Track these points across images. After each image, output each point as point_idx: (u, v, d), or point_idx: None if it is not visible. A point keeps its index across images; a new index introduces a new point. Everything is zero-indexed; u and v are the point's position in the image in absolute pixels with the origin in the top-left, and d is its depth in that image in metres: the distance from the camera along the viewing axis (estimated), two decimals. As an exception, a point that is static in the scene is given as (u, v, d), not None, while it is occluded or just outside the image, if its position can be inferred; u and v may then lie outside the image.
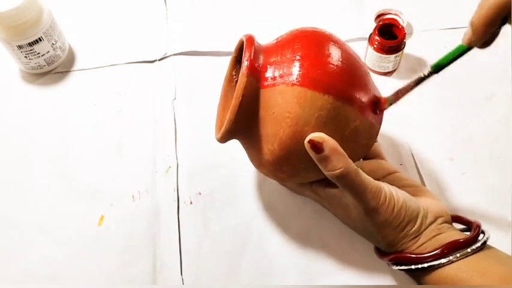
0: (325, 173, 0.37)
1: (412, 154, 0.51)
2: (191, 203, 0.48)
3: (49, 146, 0.53)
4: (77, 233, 0.47)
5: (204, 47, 0.60)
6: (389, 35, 0.55)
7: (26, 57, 0.55)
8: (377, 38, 0.53)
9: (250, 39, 0.39)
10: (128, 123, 0.55)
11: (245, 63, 0.37)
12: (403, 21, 0.59)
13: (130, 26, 0.63)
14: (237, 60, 0.43)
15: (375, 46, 0.54)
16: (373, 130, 0.40)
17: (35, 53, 0.55)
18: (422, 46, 0.59)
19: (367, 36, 0.56)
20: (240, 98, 0.36)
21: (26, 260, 0.46)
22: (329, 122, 0.36)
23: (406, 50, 0.55)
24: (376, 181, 0.38)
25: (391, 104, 0.39)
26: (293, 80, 0.36)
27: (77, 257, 0.46)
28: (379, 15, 0.60)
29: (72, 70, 0.59)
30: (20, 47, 0.54)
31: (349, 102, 0.37)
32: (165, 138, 0.53)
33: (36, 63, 0.57)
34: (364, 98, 0.38)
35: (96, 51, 0.61)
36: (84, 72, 0.59)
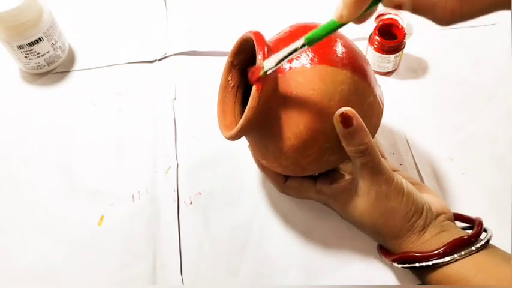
0: (350, 148, 0.37)
1: (412, 154, 0.51)
2: (191, 203, 0.48)
3: (49, 146, 0.53)
4: (77, 233, 0.47)
5: (204, 47, 0.60)
6: (389, 35, 0.55)
7: (26, 57, 0.55)
8: (377, 38, 0.53)
9: (258, 34, 0.38)
10: (128, 123, 0.55)
11: (260, 50, 0.37)
12: (403, 21, 0.59)
13: (131, 26, 0.63)
14: (233, 65, 0.43)
15: (375, 46, 0.54)
16: (380, 109, 0.41)
17: (35, 53, 0.55)
18: (422, 46, 0.59)
19: (367, 36, 0.56)
20: (262, 82, 0.36)
21: (26, 260, 0.46)
22: (350, 96, 0.37)
23: (406, 50, 0.55)
24: (390, 168, 0.39)
25: (265, 73, 0.36)
26: (311, 61, 0.37)
27: (77, 257, 0.46)
28: (379, 15, 0.60)
29: (72, 70, 0.59)
30: (20, 47, 0.54)
31: (363, 77, 0.38)
32: (165, 138, 0.53)
33: (36, 63, 0.57)
34: (372, 76, 0.40)
35: (96, 51, 0.61)
36: (84, 72, 0.59)
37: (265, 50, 0.37)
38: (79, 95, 0.57)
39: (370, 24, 0.58)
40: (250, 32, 0.39)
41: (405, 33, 0.54)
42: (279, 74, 0.38)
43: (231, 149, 0.51)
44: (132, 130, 0.54)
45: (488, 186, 0.48)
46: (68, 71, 0.59)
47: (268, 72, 0.36)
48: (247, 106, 0.37)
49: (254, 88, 0.36)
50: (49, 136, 0.54)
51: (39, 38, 0.54)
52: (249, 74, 0.37)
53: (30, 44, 0.54)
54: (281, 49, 0.38)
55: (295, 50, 0.35)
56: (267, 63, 0.36)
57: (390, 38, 0.54)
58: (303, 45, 0.34)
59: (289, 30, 0.41)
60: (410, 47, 0.58)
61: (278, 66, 0.36)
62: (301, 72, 0.37)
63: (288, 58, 0.35)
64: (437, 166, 0.50)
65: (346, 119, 0.36)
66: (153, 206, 0.48)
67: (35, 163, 0.52)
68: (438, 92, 0.56)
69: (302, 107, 0.37)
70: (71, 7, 0.65)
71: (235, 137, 0.39)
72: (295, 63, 0.38)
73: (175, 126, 0.54)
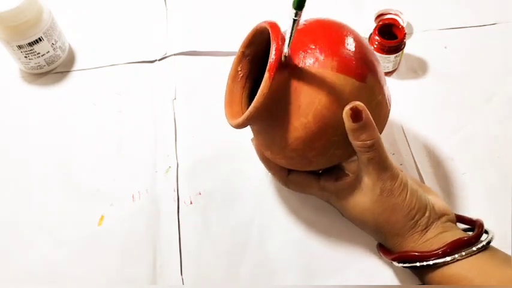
0: (358, 143, 0.38)
1: (412, 154, 0.51)
2: (191, 203, 0.48)
3: (49, 146, 0.53)
4: (77, 233, 0.47)
5: (204, 47, 0.60)
6: (389, 35, 0.55)
7: (26, 57, 0.55)
8: (377, 38, 0.53)
9: (274, 24, 0.39)
10: (128, 123, 0.55)
11: (275, 38, 0.37)
12: (403, 21, 0.59)
13: (131, 26, 0.63)
14: (244, 55, 0.43)
15: (375, 46, 0.54)
16: (387, 109, 0.41)
17: (35, 53, 0.55)
18: (422, 46, 0.59)
19: (367, 36, 0.56)
20: (275, 69, 0.36)
21: (26, 260, 0.46)
22: (361, 91, 0.37)
23: (406, 50, 0.56)
24: (395, 165, 0.40)
25: (285, 57, 0.37)
26: (324, 53, 0.38)
27: (77, 257, 0.46)
28: (379, 15, 0.60)
29: (72, 70, 0.59)
30: (20, 47, 0.54)
31: (374, 74, 0.39)
32: (165, 138, 0.53)
33: (36, 63, 0.57)
34: (382, 74, 0.40)
35: (96, 51, 0.61)
36: (84, 72, 0.59)
37: (280, 40, 0.37)
38: (79, 95, 0.57)
39: (370, 24, 0.58)
40: (265, 22, 0.39)
41: (405, 33, 0.54)
42: (292, 64, 0.38)
43: (231, 149, 0.51)
44: (132, 130, 0.54)
45: (488, 186, 0.48)
46: (68, 71, 0.59)
47: (286, 55, 0.37)
48: (258, 92, 0.37)
49: (266, 75, 0.36)
50: (49, 136, 0.54)
51: (39, 38, 0.54)
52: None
53: (30, 44, 0.54)
54: (297, 38, 0.38)
55: (294, 21, 0.35)
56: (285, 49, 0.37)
57: (390, 38, 0.54)
58: (295, 14, 0.34)
59: (304, 24, 0.41)
60: (410, 47, 0.58)
61: (290, 43, 0.36)
62: (314, 64, 0.37)
63: (294, 31, 0.35)
64: (437, 166, 0.50)
65: (356, 113, 0.36)
66: (153, 206, 0.48)
67: (35, 163, 0.52)
68: (438, 92, 0.56)
69: (312, 98, 0.37)
70: (71, 7, 0.65)
71: (242, 125, 0.39)
72: (309, 55, 0.38)
73: (175, 126, 0.54)
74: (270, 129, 0.40)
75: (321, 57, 0.38)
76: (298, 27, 0.41)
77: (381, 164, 0.38)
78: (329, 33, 0.39)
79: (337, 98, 0.37)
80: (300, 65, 0.38)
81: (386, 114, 0.41)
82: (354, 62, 0.38)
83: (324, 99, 0.37)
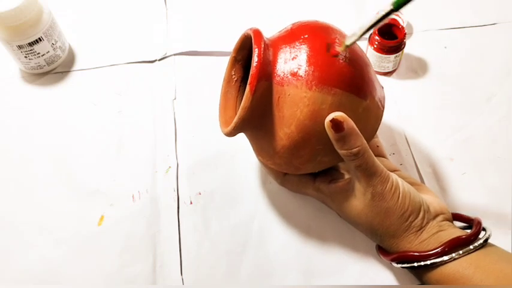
0: (342, 151, 0.37)
1: (412, 154, 0.51)
2: (191, 203, 0.48)
3: (49, 146, 0.53)
4: (77, 233, 0.47)
5: (204, 47, 0.60)
6: (389, 35, 0.55)
7: (26, 57, 0.55)
8: (377, 38, 0.53)
9: (257, 31, 0.39)
10: (127, 123, 0.55)
11: (256, 50, 0.37)
12: (403, 21, 0.59)
13: (131, 26, 0.63)
14: (236, 60, 0.43)
15: (375, 46, 0.54)
16: (379, 111, 0.41)
17: (35, 53, 0.55)
18: (422, 46, 0.59)
19: (367, 36, 0.56)
20: (255, 83, 0.36)
21: (26, 260, 0.46)
22: (344, 99, 0.37)
23: (406, 50, 0.56)
24: (385, 168, 0.39)
25: (347, 46, 0.37)
26: (306, 64, 0.37)
27: (77, 257, 0.46)
28: (379, 15, 0.60)
29: (72, 70, 0.59)
30: (20, 47, 0.54)
31: (360, 79, 0.38)
32: (165, 138, 0.53)
33: (36, 63, 0.57)
34: (371, 78, 0.39)
35: (96, 51, 0.61)
36: (84, 72, 0.59)
37: (262, 47, 0.37)
38: (79, 95, 0.57)
39: (370, 24, 0.58)
40: (250, 29, 0.40)
41: (405, 33, 0.54)
42: (274, 74, 0.38)
43: (231, 149, 0.51)
44: (132, 130, 0.54)
45: (488, 186, 0.48)
46: (68, 71, 0.59)
47: (350, 44, 0.37)
48: (241, 105, 0.37)
49: (248, 88, 0.37)
50: (49, 136, 0.54)
51: (39, 38, 0.54)
52: (329, 50, 0.38)
53: (30, 44, 0.54)
54: (281, 47, 0.39)
55: (383, 17, 0.35)
56: (348, 38, 0.37)
57: (390, 38, 0.54)
58: (391, 11, 0.34)
59: (291, 28, 0.41)
60: (410, 47, 0.58)
61: (363, 35, 0.36)
62: (297, 73, 0.37)
63: (375, 27, 0.35)
64: (437, 166, 0.50)
65: (337, 125, 0.36)
66: (153, 206, 0.48)
67: (35, 163, 0.52)
68: (438, 92, 0.56)
69: (294, 108, 0.37)
70: (71, 7, 0.65)
71: (230, 134, 0.40)
72: (291, 64, 0.38)
73: (175, 126, 0.54)
74: (259, 137, 0.41)
75: (304, 66, 0.37)
76: (283, 32, 0.41)
77: (368, 170, 0.38)
78: (313, 39, 0.38)
79: (319, 108, 0.37)
80: (283, 73, 0.38)
81: (378, 117, 0.40)
82: (336, 71, 0.37)
83: (305, 110, 0.37)
